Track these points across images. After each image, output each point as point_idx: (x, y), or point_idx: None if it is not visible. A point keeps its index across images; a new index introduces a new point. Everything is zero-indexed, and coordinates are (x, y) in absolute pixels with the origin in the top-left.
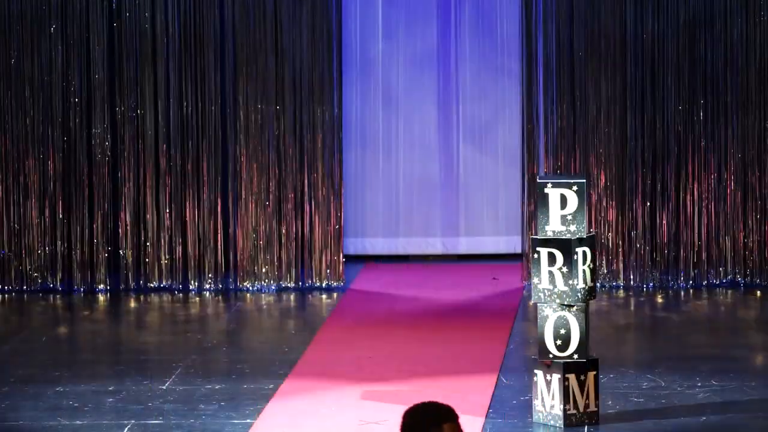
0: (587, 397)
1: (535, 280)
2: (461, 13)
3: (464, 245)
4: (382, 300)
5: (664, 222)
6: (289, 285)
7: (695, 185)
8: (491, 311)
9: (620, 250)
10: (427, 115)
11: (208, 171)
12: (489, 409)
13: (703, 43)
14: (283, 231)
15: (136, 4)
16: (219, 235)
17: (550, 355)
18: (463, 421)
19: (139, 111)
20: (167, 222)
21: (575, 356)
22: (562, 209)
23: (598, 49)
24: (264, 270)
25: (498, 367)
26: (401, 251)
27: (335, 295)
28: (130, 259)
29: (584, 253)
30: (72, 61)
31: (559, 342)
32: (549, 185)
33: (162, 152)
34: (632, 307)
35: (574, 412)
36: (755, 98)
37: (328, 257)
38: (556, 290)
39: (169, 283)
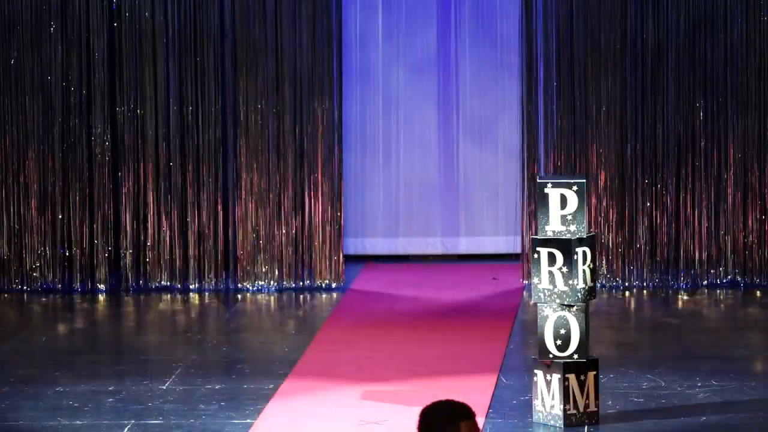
0: (587, 397)
1: (535, 280)
2: (461, 13)
3: (464, 245)
4: (382, 300)
5: (664, 222)
6: (289, 285)
7: (695, 185)
8: (491, 311)
9: (620, 250)
10: (427, 114)
11: (208, 171)
12: (489, 409)
13: (703, 43)
14: (283, 231)
15: (136, 4)
16: (219, 235)
17: (550, 355)
18: None
19: (139, 111)
20: (167, 222)
21: (575, 356)
22: (562, 209)
23: (598, 49)
24: (264, 270)
25: (498, 367)
26: (401, 251)
27: (335, 295)
28: (130, 259)
29: (584, 253)
30: (72, 61)
31: (559, 342)
32: (549, 185)
33: (162, 152)
34: (632, 307)
35: (574, 412)
36: (755, 98)
37: (328, 257)
38: (556, 290)
39: (169, 283)
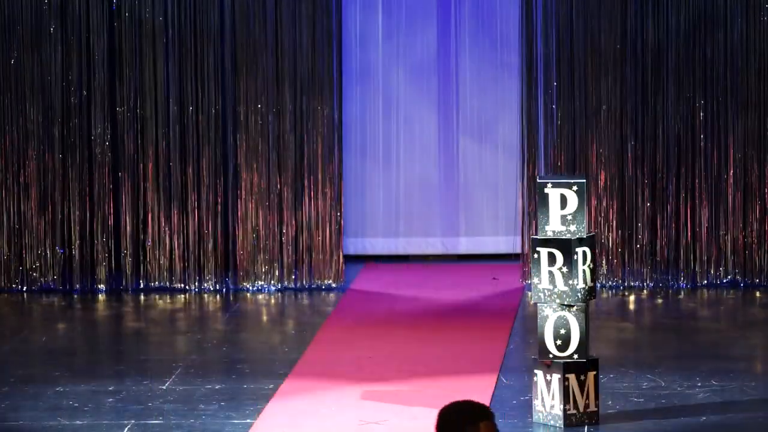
0: (587, 397)
1: (535, 280)
2: (461, 13)
3: (464, 245)
4: (382, 300)
5: (664, 222)
6: (289, 285)
7: (695, 185)
8: (491, 311)
9: (620, 250)
10: (427, 114)
11: (208, 171)
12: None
13: (703, 43)
14: (283, 231)
15: (136, 4)
16: (219, 235)
17: (550, 355)
18: None
19: (139, 111)
20: (167, 222)
21: (575, 356)
22: (562, 209)
23: (598, 49)
24: (264, 270)
25: (498, 367)
26: (401, 251)
27: (335, 295)
28: (130, 259)
29: (584, 253)
30: (72, 61)
31: (559, 342)
32: (549, 185)
33: (162, 152)
34: (632, 307)
35: (574, 412)
36: (755, 98)
37: (328, 257)
38: (556, 290)
39: (169, 283)
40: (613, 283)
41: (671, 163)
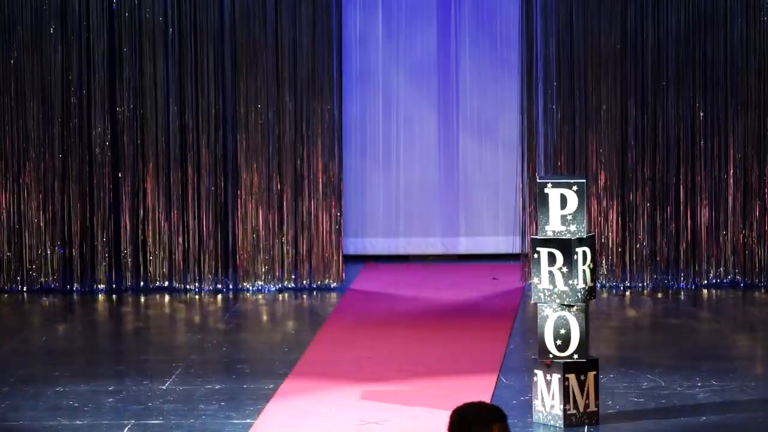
0: (587, 397)
1: (535, 280)
2: (461, 13)
3: (464, 245)
4: (382, 300)
5: (664, 222)
6: (289, 285)
7: (695, 185)
8: (491, 311)
9: (620, 250)
10: (427, 114)
11: (208, 171)
12: None
13: (703, 43)
14: (283, 231)
15: (136, 4)
16: (219, 235)
17: (550, 355)
18: None
19: (139, 111)
20: (167, 222)
21: (575, 356)
22: (562, 209)
23: (598, 49)
24: (264, 270)
25: (498, 367)
26: (401, 251)
27: (335, 295)
28: (130, 259)
29: (584, 253)
30: (72, 61)
31: (559, 342)
32: (549, 185)
33: (162, 152)
34: (632, 307)
35: (574, 412)
36: (755, 98)
37: (328, 257)
38: (556, 290)
39: (169, 283)
40: (613, 283)
41: (671, 163)
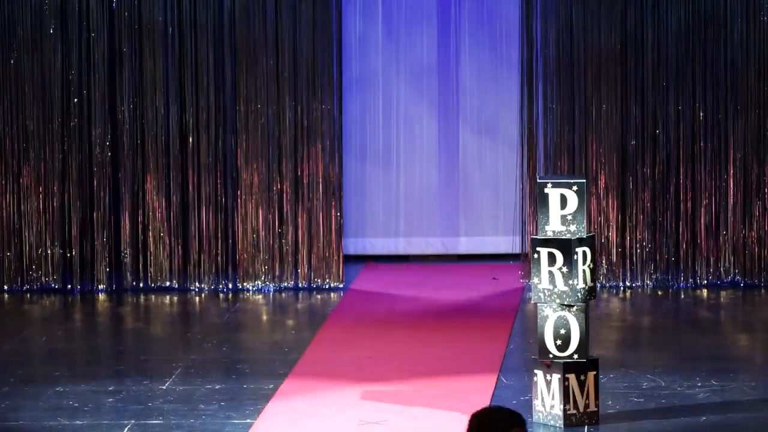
0: (587, 397)
1: (535, 280)
2: (461, 14)
3: (464, 245)
4: (382, 300)
5: (665, 221)
6: (289, 285)
7: (695, 185)
8: (491, 311)
9: (620, 250)
10: (427, 114)
11: (208, 171)
12: None
13: (703, 42)
14: (283, 231)
15: (135, 4)
16: (219, 235)
17: (550, 355)
18: (463, 420)
19: (139, 111)
20: (167, 222)
21: (575, 356)
22: (562, 209)
23: (598, 49)
24: (264, 270)
25: (498, 367)
26: (401, 251)
27: (335, 295)
28: (130, 259)
29: (584, 253)
30: (72, 62)
31: (559, 342)
32: (549, 185)
33: (162, 152)
34: (632, 307)
35: (574, 412)
36: (755, 98)
37: (328, 257)
38: (556, 290)
39: (169, 283)
40: (613, 283)
41: (671, 163)
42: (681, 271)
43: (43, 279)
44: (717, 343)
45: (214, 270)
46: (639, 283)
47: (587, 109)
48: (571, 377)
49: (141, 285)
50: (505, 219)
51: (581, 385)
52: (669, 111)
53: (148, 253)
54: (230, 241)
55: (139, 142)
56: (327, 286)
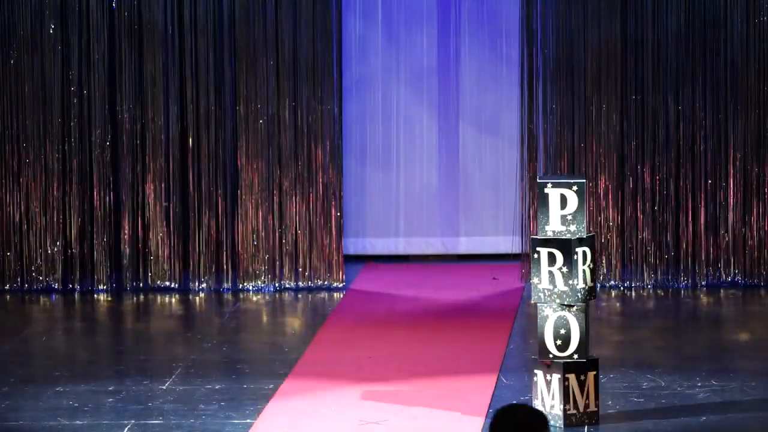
0: (587, 397)
1: (535, 280)
2: (461, 12)
3: (464, 245)
4: (382, 300)
5: (664, 221)
6: (289, 285)
7: (695, 185)
8: (491, 311)
9: (620, 250)
10: (427, 114)
11: (208, 171)
12: (489, 409)
13: (703, 43)
14: (283, 231)
15: (135, 4)
16: (219, 235)
17: (550, 355)
18: (463, 420)
19: (138, 111)
20: (167, 222)
21: (575, 356)
22: (562, 209)
23: (598, 49)
24: (264, 270)
25: (498, 367)
26: (401, 251)
27: (335, 295)
28: (130, 259)
29: (584, 253)
30: (72, 62)
31: (559, 342)
32: (549, 185)
33: (162, 152)
34: (632, 307)
35: (574, 412)
36: (755, 98)
37: (328, 257)
38: (556, 290)
39: (169, 283)
40: (613, 283)
41: (671, 163)
42: (681, 271)
43: (43, 279)
44: (717, 343)
45: (214, 270)
46: (639, 283)
47: (587, 109)
48: (571, 377)
49: (141, 285)
50: (505, 219)
51: (581, 385)
52: (669, 111)
53: (148, 253)
54: (230, 241)
55: (138, 142)
56: (327, 286)
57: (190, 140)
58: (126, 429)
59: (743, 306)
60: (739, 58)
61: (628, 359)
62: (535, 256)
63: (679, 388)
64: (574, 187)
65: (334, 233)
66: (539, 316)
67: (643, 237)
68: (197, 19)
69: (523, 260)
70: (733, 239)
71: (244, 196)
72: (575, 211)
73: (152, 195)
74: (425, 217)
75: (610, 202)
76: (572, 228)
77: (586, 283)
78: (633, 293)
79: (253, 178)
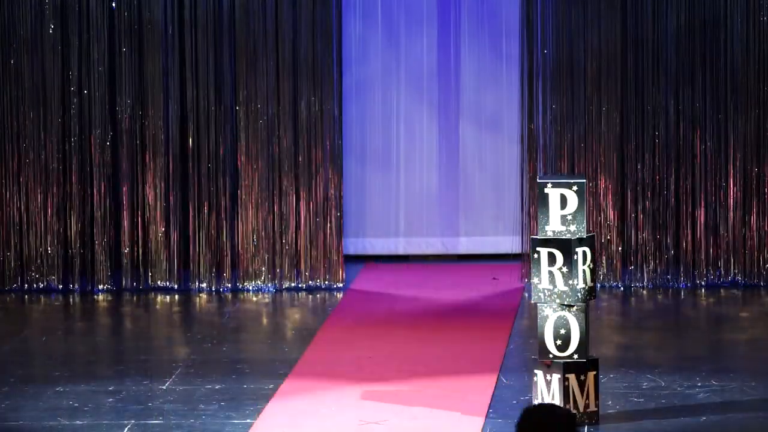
0: (587, 397)
1: (535, 280)
2: (461, 13)
3: (464, 245)
4: (382, 300)
5: (664, 222)
6: (289, 285)
7: (695, 185)
8: (491, 311)
9: (620, 249)
10: (428, 114)
11: (208, 171)
12: (489, 409)
13: (703, 43)
14: (283, 231)
15: (135, 4)
16: (219, 235)
17: (550, 355)
18: (463, 421)
19: (138, 111)
20: (167, 222)
21: (575, 356)
22: (562, 209)
23: (598, 49)
24: (264, 270)
25: (498, 367)
26: (401, 251)
27: (335, 295)
28: (130, 259)
29: (584, 253)
30: (71, 62)
31: (559, 342)
32: (549, 185)
33: (161, 152)
34: (632, 307)
35: (574, 412)
36: (755, 98)
37: (328, 257)
38: (556, 290)
39: (169, 283)
40: (613, 283)
41: (671, 163)
42: (681, 271)
43: (43, 279)
44: (717, 343)
45: (214, 270)
46: (639, 283)
47: (587, 109)
48: (571, 377)
49: (141, 285)
50: (505, 219)
51: (581, 385)
52: (669, 111)
53: (148, 253)
54: (230, 241)
55: (138, 142)
56: (327, 286)
57: (190, 140)
58: (126, 429)
59: (743, 306)
60: (739, 58)
61: (628, 359)
62: (535, 256)
63: (679, 388)
64: (574, 187)
65: (334, 233)
66: (539, 316)
67: (643, 237)
68: (197, 19)
69: (524, 260)
70: (733, 239)
71: (244, 196)
72: (575, 211)
73: (152, 195)
74: (425, 217)
75: (610, 202)
76: (572, 228)
77: (586, 283)
78: (633, 293)
79: (253, 178)
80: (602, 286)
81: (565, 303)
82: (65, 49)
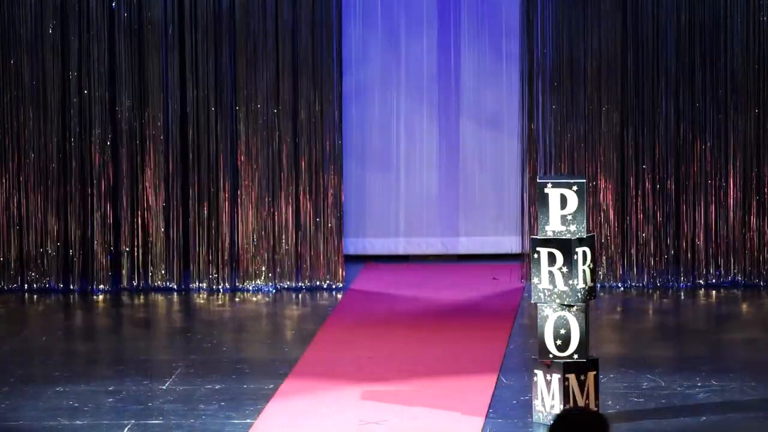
0: (587, 397)
1: (535, 280)
2: (461, 13)
3: (464, 245)
4: (382, 300)
5: (664, 222)
6: (288, 285)
7: (695, 185)
8: (491, 311)
9: (620, 250)
10: (428, 114)
11: (208, 171)
12: (489, 409)
13: (703, 43)
14: (283, 231)
15: (135, 4)
16: (219, 235)
17: (550, 355)
18: (463, 421)
19: (138, 111)
20: (167, 222)
21: (575, 356)
22: (562, 209)
23: (598, 49)
24: (264, 270)
25: (498, 367)
26: (401, 251)
27: (335, 295)
28: (129, 259)
29: (584, 253)
30: (71, 62)
31: (559, 342)
32: (549, 185)
33: (161, 152)
34: (632, 307)
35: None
36: (755, 98)
37: (328, 257)
38: (556, 290)
39: (169, 283)
40: (613, 283)
41: (671, 163)
42: (681, 271)
43: (43, 279)
44: (717, 343)
45: (214, 270)
46: (639, 283)
47: (587, 109)
48: (571, 377)
49: (141, 285)
50: (505, 219)
51: (581, 385)
52: (669, 111)
53: (148, 253)
54: (230, 241)
55: (138, 142)
56: (327, 286)
57: (190, 140)
58: (126, 429)
59: (743, 306)
60: (739, 59)
61: (628, 359)
62: (535, 256)
63: (679, 388)
64: (574, 187)
65: (334, 233)
66: (539, 316)
67: (643, 237)
68: (197, 19)
69: (524, 260)
70: (733, 239)
71: (244, 196)
72: (575, 211)
73: (152, 195)
74: (425, 217)
75: (610, 202)
76: (572, 228)
77: (586, 283)
78: (633, 293)
79: (253, 178)
80: (602, 286)
81: (565, 303)
82: (65, 49)
